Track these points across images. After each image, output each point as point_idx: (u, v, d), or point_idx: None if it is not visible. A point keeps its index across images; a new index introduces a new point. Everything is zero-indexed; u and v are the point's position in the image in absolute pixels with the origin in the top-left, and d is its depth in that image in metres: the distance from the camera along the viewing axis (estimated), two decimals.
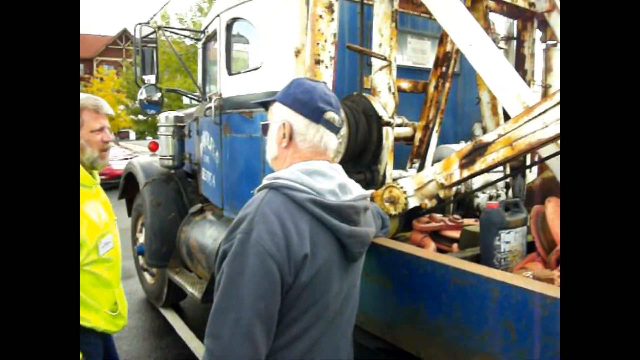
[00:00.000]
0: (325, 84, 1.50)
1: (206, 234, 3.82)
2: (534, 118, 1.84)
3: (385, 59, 2.48)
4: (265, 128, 1.47)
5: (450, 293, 1.50)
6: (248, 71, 3.07)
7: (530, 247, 1.97)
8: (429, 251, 1.98)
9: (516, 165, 3.15)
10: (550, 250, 1.85)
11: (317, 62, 2.24)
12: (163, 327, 4.59)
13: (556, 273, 1.59)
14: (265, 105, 1.51)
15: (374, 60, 2.62)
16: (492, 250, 1.83)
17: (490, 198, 2.91)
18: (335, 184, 1.33)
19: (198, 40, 4.05)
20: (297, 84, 1.42)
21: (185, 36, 4.13)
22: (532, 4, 3.09)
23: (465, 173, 2.06)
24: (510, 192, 3.14)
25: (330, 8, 2.22)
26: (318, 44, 2.23)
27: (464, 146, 2.89)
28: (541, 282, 1.36)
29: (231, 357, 1.15)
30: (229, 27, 3.27)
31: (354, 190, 1.39)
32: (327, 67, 2.26)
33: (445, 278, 1.51)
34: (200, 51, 4.14)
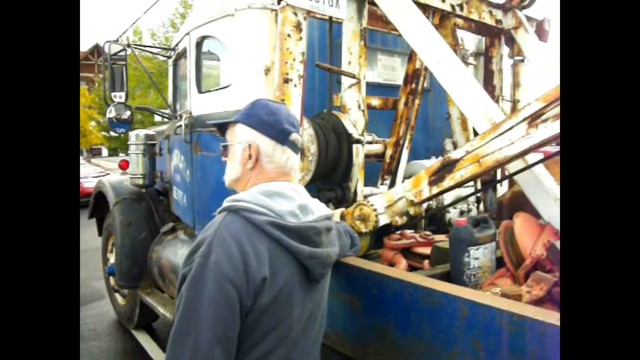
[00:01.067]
0: (285, 105, 1.50)
1: (178, 253, 3.75)
2: (500, 135, 1.87)
3: (354, 76, 2.49)
4: (225, 149, 1.45)
5: (419, 312, 1.49)
6: (218, 89, 3.04)
7: (500, 262, 1.98)
8: (397, 270, 1.98)
9: (487, 180, 3.20)
10: (519, 265, 1.87)
11: (286, 80, 2.24)
12: (135, 350, 4.46)
13: (524, 289, 1.60)
14: (223, 126, 1.49)
15: (343, 78, 2.64)
16: (462, 266, 1.83)
17: (462, 213, 2.93)
18: (296, 205, 1.32)
19: (169, 57, 4.01)
20: (260, 105, 1.42)
21: (155, 54, 4.08)
22: (498, 21, 3.16)
23: (435, 190, 2.08)
24: (481, 206, 3.17)
25: (298, 27, 2.22)
26: (287, 62, 2.23)
27: (434, 162, 2.93)
28: (509, 299, 1.36)
29: None
30: (198, 44, 3.25)
31: (316, 211, 1.38)
32: (295, 85, 2.26)
33: (414, 297, 1.50)
34: (170, 68, 4.10)
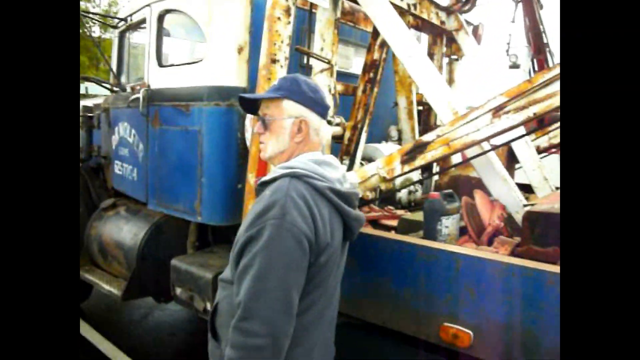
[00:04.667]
0: None
1: (123, 229, 3.67)
2: (468, 122, 2.18)
3: (329, 62, 2.69)
4: (267, 123, 1.51)
5: (416, 267, 1.75)
6: (185, 64, 3.06)
7: (462, 231, 2.32)
8: (394, 234, 2.23)
9: (426, 167, 3.57)
10: (479, 232, 2.21)
11: (273, 60, 2.37)
12: None
13: (492, 250, 1.93)
14: (252, 102, 1.57)
15: (313, 62, 2.82)
16: (435, 233, 2.13)
17: (409, 193, 3.27)
18: (340, 173, 1.50)
19: (115, 27, 3.87)
20: (302, 82, 1.52)
21: (102, 22, 3.90)
22: (442, 22, 3.53)
23: (406, 168, 2.35)
24: (421, 190, 3.55)
25: (287, 11, 2.37)
26: (275, 44, 2.36)
27: (386, 145, 3.22)
28: (495, 252, 1.67)
29: (278, 333, 1.27)
30: (160, 17, 3.22)
31: (348, 179, 1.57)
32: (282, 66, 2.40)
33: (412, 254, 1.76)
34: (115, 39, 3.96)
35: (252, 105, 1.60)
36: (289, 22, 2.39)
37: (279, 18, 2.35)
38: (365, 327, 1.92)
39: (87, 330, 4.28)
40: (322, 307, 1.46)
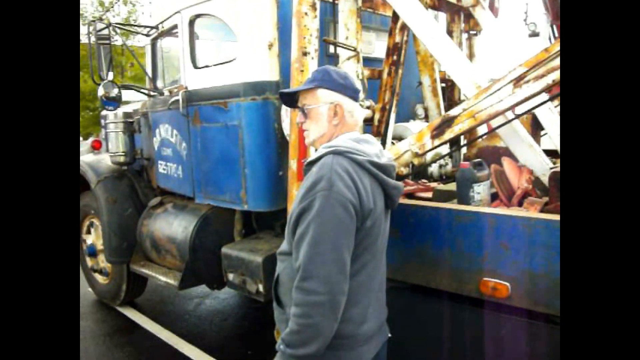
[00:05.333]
0: None
1: (173, 224, 3.92)
2: (491, 94, 2.33)
3: (355, 49, 2.86)
4: (307, 111, 1.71)
5: (454, 230, 1.93)
6: (220, 64, 3.27)
7: (493, 197, 2.47)
8: (431, 202, 2.39)
9: (454, 141, 3.71)
10: (509, 196, 2.37)
11: (304, 53, 2.56)
12: (125, 324, 4.60)
13: (519, 209, 2.09)
14: (292, 95, 1.77)
15: (339, 50, 2.99)
16: (468, 200, 2.29)
17: (440, 167, 3.43)
18: (377, 149, 1.68)
19: (147, 35, 4.11)
20: (331, 71, 1.71)
21: (134, 32, 4.15)
22: (459, 0, 3.64)
23: (437, 142, 2.51)
24: (451, 163, 3.69)
25: (313, 6, 2.55)
26: (304, 37, 2.54)
27: (414, 124, 3.38)
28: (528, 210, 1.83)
29: (335, 290, 1.45)
30: (192, 22, 3.43)
31: (385, 154, 1.75)
32: (312, 58, 2.58)
33: (449, 218, 1.94)
34: (149, 47, 4.21)
35: (291, 100, 1.80)
36: (316, 16, 2.57)
37: (306, 13, 2.53)
38: (411, 289, 2.11)
39: (145, 322, 4.59)
40: (372, 270, 1.64)
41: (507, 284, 1.81)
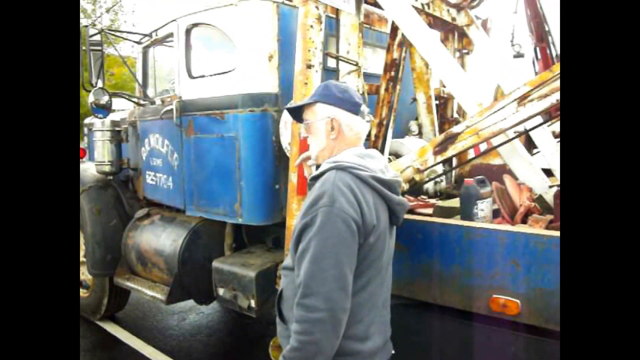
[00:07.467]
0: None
1: (161, 237, 3.82)
2: (494, 112, 2.35)
3: (356, 64, 2.86)
4: (307, 127, 1.72)
5: (463, 247, 1.92)
6: (217, 74, 3.22)
7: (494, 213, 2.48)
8: (438, 218, 2.38)
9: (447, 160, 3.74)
10: (512, 214, 2.38)
11: (309, 66, 2.54)
12: (106, 340, 4.44)
13: (525, 226, 2.10)
14: (297, 110, 1.77)
15: (341, 65, 2.99)
16: (472, 216, 2.30)
17: (435, 184, 3.44)
18: (382, 164, 1.67)
19: (138, 43, 4.04)
20: (331, 85, 1.70)
21: (125, 39, 4.08)
22: (454, 19, 3.70)
23: (439, 158, 2.52)
24: (445, 180, 3.71)
25: (319, 19, 2.54)
26: (309, 50, 2.53)
27: (409, 140, 3.39)
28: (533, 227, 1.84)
29: (336, 307, 1.43)
30: (188, 31, 3.39)
31: (390, 170, 1.74)
32: (317, 71, 2.57)
33: (458, 235, 1.93)
34: (140, 55, 4.14)
35: (299, 114, 1.79)
36: (321, 29, 2.56)
37: (311, 26, 2.52)
38: (417, 306, 2.08)
39: (127, 337, 4.44)
40: (376, 286, 1.61)
41: (518, 301, 1.81)
